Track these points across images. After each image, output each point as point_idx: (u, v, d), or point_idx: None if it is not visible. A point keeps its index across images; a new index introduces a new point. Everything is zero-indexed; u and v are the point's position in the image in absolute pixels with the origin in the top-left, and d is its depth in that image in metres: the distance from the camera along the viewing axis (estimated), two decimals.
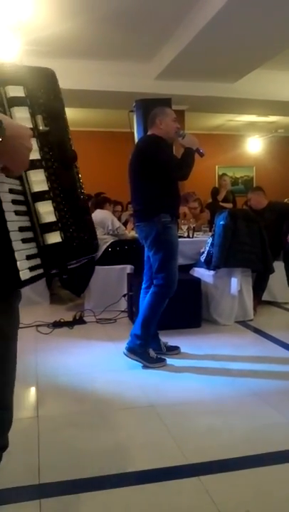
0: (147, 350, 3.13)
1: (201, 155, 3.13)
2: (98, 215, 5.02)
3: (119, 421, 2.37)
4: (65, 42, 5.94)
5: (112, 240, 4.92)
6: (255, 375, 2.97)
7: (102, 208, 5.23)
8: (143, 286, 3.36)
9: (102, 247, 4.83)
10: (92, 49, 6.23)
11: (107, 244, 4.86)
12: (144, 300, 3.20)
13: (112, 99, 7.19)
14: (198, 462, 1.94)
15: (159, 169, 3.06)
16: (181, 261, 4.66)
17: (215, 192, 7.51)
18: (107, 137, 10.04)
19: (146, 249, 3.28)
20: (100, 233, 4.86)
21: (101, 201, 5.40)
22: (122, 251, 4.85)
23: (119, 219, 6.11)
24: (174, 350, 3.36)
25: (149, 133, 3.25)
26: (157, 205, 3.09)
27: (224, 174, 8.26)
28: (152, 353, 3.14)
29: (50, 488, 1.78)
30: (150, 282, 3.29)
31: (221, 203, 7.15)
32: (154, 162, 3.07)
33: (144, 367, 3.07)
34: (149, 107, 3.36)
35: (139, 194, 3.19)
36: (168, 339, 3.44)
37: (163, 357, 3.18)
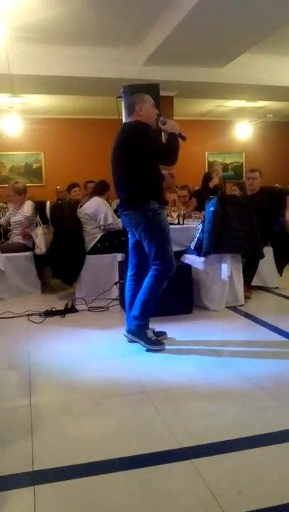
0: (145, 330, 3.19)
1: (184, 139, 3.17)
2: (93, 205, 4.87)
3: (111, 407, 2.38)
4: (51, 28, 5.85)
5: (101, 234, 4.79)
6: (247, 360, 3.00)
7: (102, 194, 5.02)
8: (129, 274, 3.37)
9: (91, 243, 4.76)
10: (78, 35, 6.15)
11: (96, 239, 4.77)
12: (144, 282, 3.20)
13: (99, 86, 7.12)
14: (190, 446, 1.96)
15: (147, 155, 3.06)
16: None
17: (208, 178, 7.48)
18: (94, 124, 9.95)
19: (130, 236, 3.29)
20: (90, 227, 4.79)
21: (103, 187, 5.07)
22: (111, 244, 4.78)
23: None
24: (161, 335, 3.37)
25: (131, 120, 3.21)
26: (145, 193, 3.09)
27: (216, 161, 8.20)
28: (150, 334, 3.20)
29: (44, 475, 1.79)
30: (136, 270, 3.31)
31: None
32: (141, 148, 3.05)
33: (148, 350, 3.12)
34: (137, 92, 3.33)
35: (125, 182, 3.16)
36: (160, 326, 3.46)
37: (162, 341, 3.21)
